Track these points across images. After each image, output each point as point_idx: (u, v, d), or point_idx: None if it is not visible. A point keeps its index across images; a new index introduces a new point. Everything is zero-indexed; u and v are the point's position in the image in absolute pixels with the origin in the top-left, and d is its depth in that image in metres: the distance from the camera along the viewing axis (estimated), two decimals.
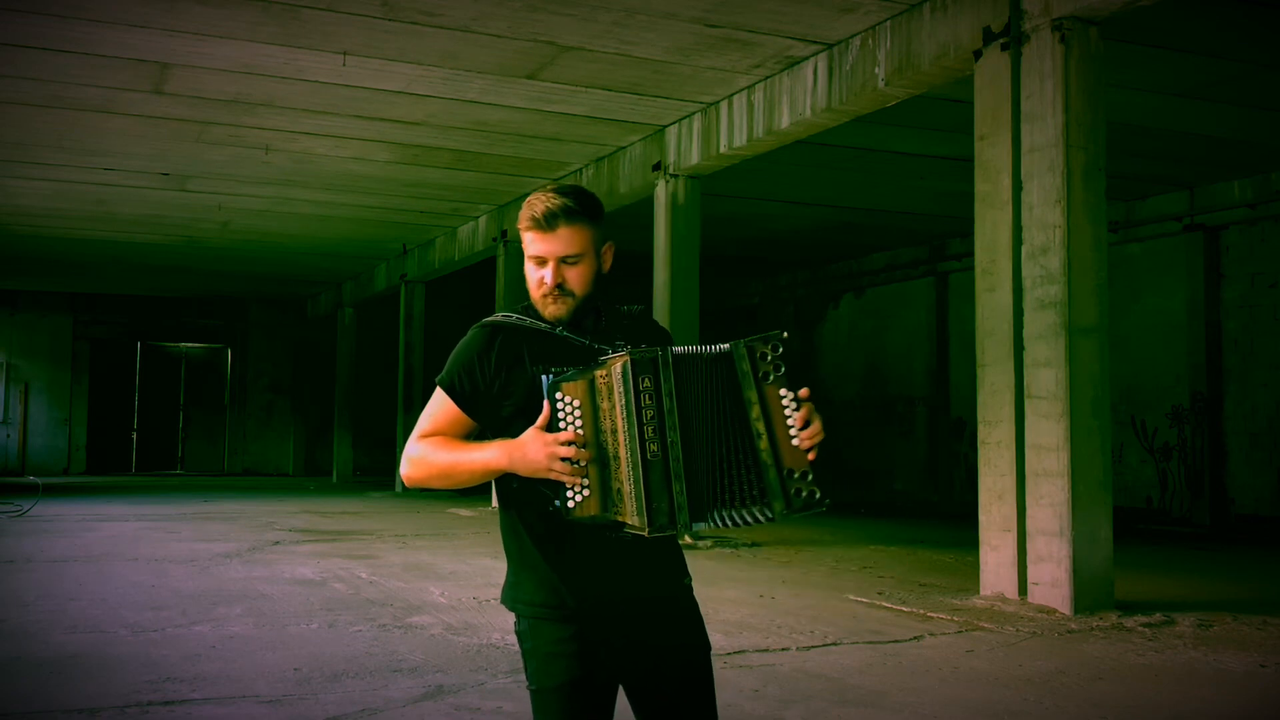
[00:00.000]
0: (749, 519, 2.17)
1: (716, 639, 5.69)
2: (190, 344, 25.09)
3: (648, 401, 2.13)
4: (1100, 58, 6.88)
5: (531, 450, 2.19)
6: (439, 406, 2.37)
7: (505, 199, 14.79)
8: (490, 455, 2.25)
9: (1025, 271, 6.95)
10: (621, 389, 2.14)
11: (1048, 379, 6.74)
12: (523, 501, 2.31)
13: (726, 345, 2.18)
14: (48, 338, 23.76)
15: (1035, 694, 4.75)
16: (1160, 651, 5.63)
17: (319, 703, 4.47)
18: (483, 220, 15.94)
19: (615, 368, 2.15)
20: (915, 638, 5.96)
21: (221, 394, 25.30)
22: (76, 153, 12.26)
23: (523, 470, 2.21)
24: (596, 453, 2.18)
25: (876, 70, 8.26)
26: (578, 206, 2.34)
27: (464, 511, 14.40)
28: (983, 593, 7.08)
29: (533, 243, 2.35)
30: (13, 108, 10.59)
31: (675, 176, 11.02)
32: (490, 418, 2.35)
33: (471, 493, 17.92)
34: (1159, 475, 14.12)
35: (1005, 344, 7.04)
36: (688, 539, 9.72)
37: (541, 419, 2.21)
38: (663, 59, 9.14)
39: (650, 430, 2.13)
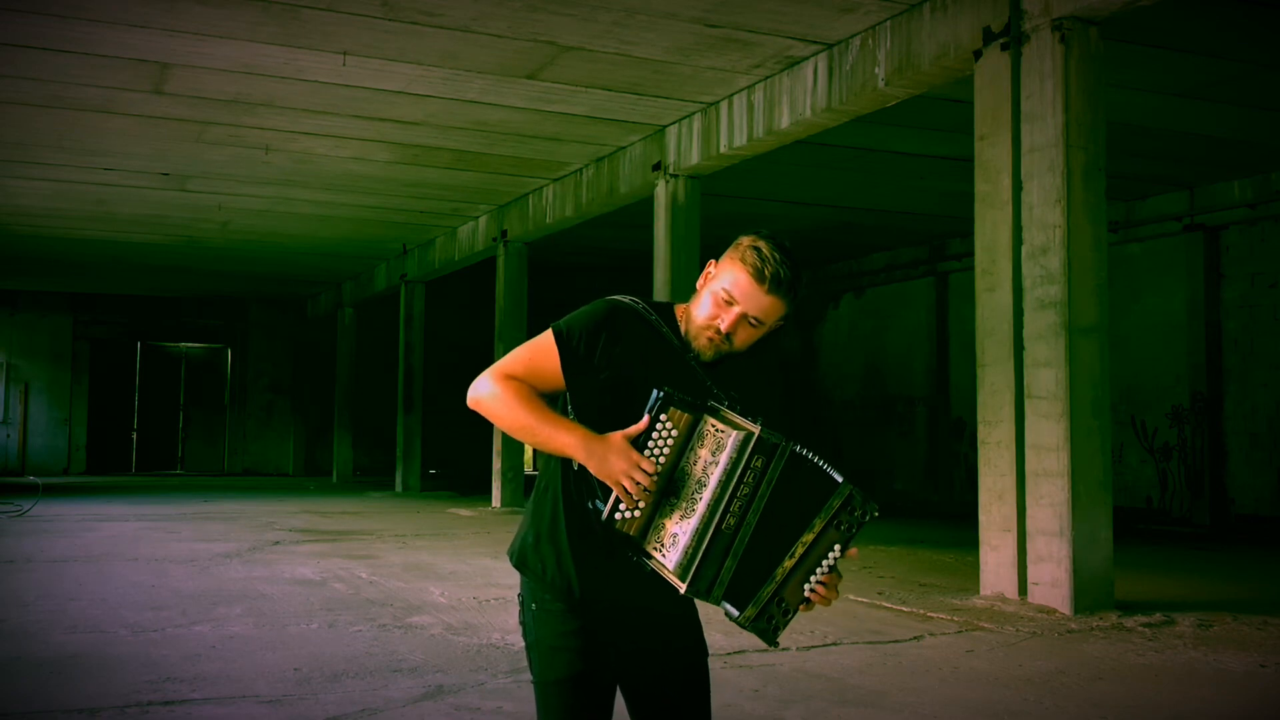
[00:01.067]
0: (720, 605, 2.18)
1: (716, 639, 5.69)
2: (190, 344, 25.09)
3: (749, 479, 2.12)
4: (1100, 58, 6.88)
5: (614, 458, 2.15)
6: (542, 354, 2.29)
7: (505, 199, 14.79)
8: (570, 441, 2.20)
9: (1025, 271, 6.95)
10: (733, 454, 2.12)
11: (1048, 379, 6.74)
12: (575, 484, 2.29)
13: (840, 477, 2.16)
14: (48, 338, 23.76)
15: (1035, 694, 4.75)
16: (1160, 651, 5.63)
17: (319, 703, 4.47)
18: (483, 220, 15.94)
19: (737, 434, 2.12)
20: (915, 638, 5.96)
21: (221, 394, 25.29)
22: (76, 153, 12.26)
23: (593, 469, 2.18)
24: (665, 484, 2.16)
25: (876, 70, 8.26)
26: (796, 285, 2.29)
27: (464, 511, 14.40)
28: (983, 593, 7.08)
29: (737, 285, 2.26)
30: (13, 108, 10.59)
31: (675, 176, 11.03)
32: (579, 393, 2.29)
33: (472, 492, 17.93)
34: (1159, 475, 14.12)
35: (1005, 344, 7.04)
36: None
37: (636, 429, 2.17)
38: (663, 59, 9.14)
39: (736, 506, 2.12)
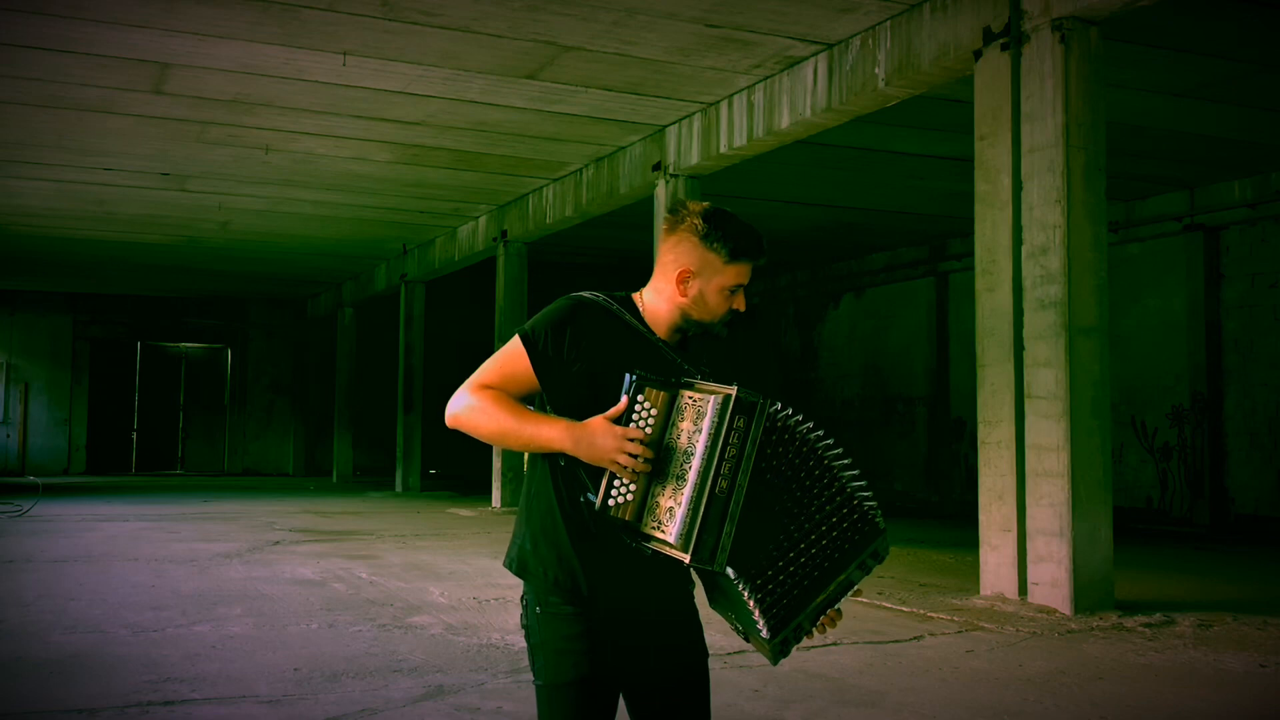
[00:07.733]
0: (751, 628, 2.20)
1: (716, 639, 5.68)
2: (190, 344, 25.08)
3: (734, 440, 2.12)
4: (1100, 58, 6.89)
5: (601, 438, 2.16)
6: (510, 359, 2.30)
7: (505, 199, 14.79)
8: (555, 433, 2.21)
9: (1025, 271, 6.95)
10: (715, 418, 2.12)
11: (1048, 379, 6.74)
12: (567, 480, 2.29)
13: (881, 523, 2.21)
14: (48, 338, 23.75)
15: (1035, 694, 4.75)
16: (1160, 651, 5.63)
17: (319, 703, 4.48)
18: (483, 220, 15.94)
19: (715, 398, 2.14)
20: (915, 638, 5.96)
21: (221, 394, 25.29)
22: (76, 153, 12.26)
23: (585, 456, 2.18)
24: (653, 463, 2.17)
25: (876, 70, 8.26)
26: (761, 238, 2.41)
27: (464, 511, 14.40)
28: (983, 593, 7.08)
29: (742, 273, 2.34)
30: (13, 108, 10.59)
31: (675, 176, 11.02)
32: (554, 391, 2.30)
33: (472, 492, 17.92)
34: (1159, 475, 14.12)
35: (1005, 344, 7.05)
36: None
37: (614, 411, 2.18)
38: (663, 59, 9.14)
39: (726, 468, 2.12)
